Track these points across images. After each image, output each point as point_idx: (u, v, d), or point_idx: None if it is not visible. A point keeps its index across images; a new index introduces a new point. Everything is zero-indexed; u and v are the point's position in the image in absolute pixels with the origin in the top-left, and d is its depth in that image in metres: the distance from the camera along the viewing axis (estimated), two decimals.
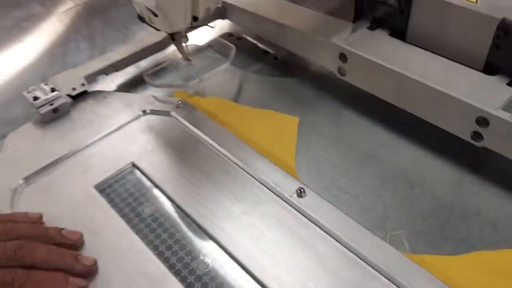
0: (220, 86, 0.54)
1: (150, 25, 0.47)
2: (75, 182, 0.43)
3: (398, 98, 0.45)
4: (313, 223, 0.38)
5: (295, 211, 0.39)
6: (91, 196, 0.42)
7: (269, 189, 0.41)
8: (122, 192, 0.43)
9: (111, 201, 0.42)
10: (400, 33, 0.48)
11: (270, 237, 0.37)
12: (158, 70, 0.54)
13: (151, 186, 0.43)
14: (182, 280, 0.35)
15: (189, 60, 0.53)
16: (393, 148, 0.46)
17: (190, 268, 0.36)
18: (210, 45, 0.58)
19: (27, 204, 0.41)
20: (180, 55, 0.53)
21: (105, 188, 0.43)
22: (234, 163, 0.44)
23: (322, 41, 0.49)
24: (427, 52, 0.46)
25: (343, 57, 0.48)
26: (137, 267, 0.36)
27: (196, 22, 0.46)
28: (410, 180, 0.42)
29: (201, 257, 0.37)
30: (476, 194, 0.41)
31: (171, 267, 0.36)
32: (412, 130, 0.47)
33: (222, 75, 0.55)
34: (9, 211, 0.40)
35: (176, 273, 0.36)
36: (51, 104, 0.49)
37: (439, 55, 0.45)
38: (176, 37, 0.50)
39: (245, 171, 0.43)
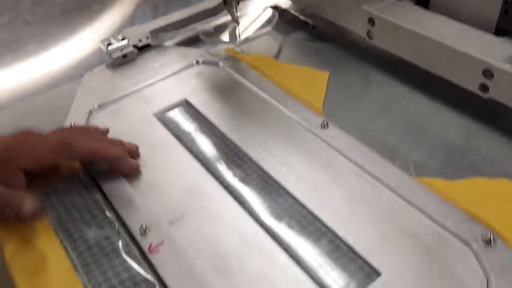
0: (262, 47, 0.62)
1: None
2: (137, 110, 0.52)
3: (418, 57, 0.52)
4: (334, 149, 0.45)
5: (319, 140, 0.46)
6: (150, 120, 0.51)
7: (299, 124, 0.48)
8: (176, 120, 0.51)
9: (166, 126, 0.50)
10: (423, 2, 0.55)
11: (298, 159, 0.45)
12: (211, 30, 0.63)
13: (200, 117, 0.51)
14: (222, 183, 0.43)
15: (238, 22, 0.61)
16: (411, 100, 0.52)
17: (230, 176, 0.44)
18: (255, 11, 0.66)
19: (98, 123, 0.51)
20: (230, 18, 0.61)
21: (162, 116, 0.52)
22: (271, 103, 0.52)
23: (354, 8, 0.57)
24: (446, 18, 0.52)
25: (371, 21, 0.55)
26: (186, 176, 0.44)
27: None
28: (423, 126, 0.49)
29: (242, 173, 0.45)
30: (482, 141, 0.46)
31: (211, 173, 0.44)
32: (429, 86, 0.53)
33: (265, 38, 0.63)
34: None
35: (217, 179, 0.44)
36: (121, 50, 0.59)
37: (457, 20, 0.52)
38: (228, 1, 0.59)
39: (279, 109, 0.51)
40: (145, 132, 0.50)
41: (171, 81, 0.57)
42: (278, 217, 0.40)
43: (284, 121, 0.49)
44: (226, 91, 0.54)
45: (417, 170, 0.43)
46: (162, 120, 0.51)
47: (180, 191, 0.42)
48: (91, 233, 0.40)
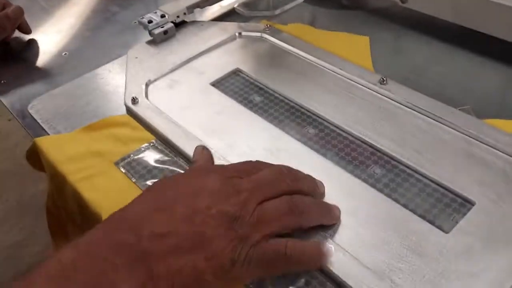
0: (296, 18, 0.64)
1: None
2: (193, 81, 0.53)
3: (455, 15, 0.55)
4: (399, 102, 0.48)
5: (381, 95, 0.49)
6: (209, 90, 0.52)
7: (358, 82, 0.51)
8: (234, 88, 0.52)
9: (226, 93, 0.51)
10: None
11: (366, 115, 0.47)
12: (247, 3, 0.64)
13: (256, 83, 0.53)
14: (300, 140, 0.45)
15: None
16: (452, 55, 0.55)
17: (306, 133, 0.46)
18: None
19: (157, 96, 0.51)
20: None
21: (219, 85, 0.53)
22: (322, 66, 0.54)
23: None
24: None
25: None
26: (263, 137, 0.46)
27: None
28: (470, 76, 0.52)
29: (316, 129, 0.46)
30: None
31: (287, 132, 0.46)
32: (466, 42, 0.56)
33: (297, 9, 0.65)
34: (145, 100, 0.50)
35: (294, 136, 0.45)
36: (162, 27, 0.59)
37: None
38: None
39: (332, 71, 0.53)
40: (208, 101, 0.50)
41: (218, 53, 0.58)
42: (363, 164, 0.42)
43: (342, 81, 0.51)
44: (275, 59, 0.56)
45: (477, 114, 0.46)
46: (221, 88, 0.52)
47: (262, 150, 0.44)
48: None
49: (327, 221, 0.36)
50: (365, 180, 0.40)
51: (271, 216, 0.31)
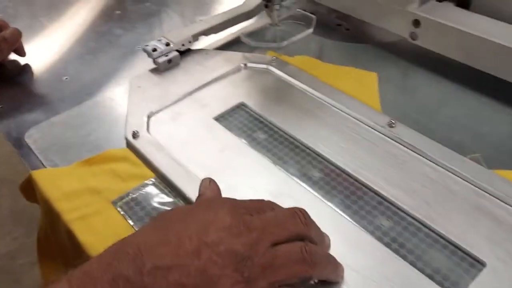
0: (302, 49, 0.63)
1: None
2: (196, 114, 0.52)
3: (464, 55, 0.54)
4: (407, 147, 0.46)
5: (389, 139, 0.47)
6: (212, 124, 0.51)
7: (363, 123, 0.49)
8: (238, 123, 0.51)
9: (229, 129, 0.50)
10: (464, 4, 0.57)
11: (373, 158, 0.46)
12: (252, 32, 0.63)
13: (260, 119, 0.51)
14: (304, 184, 0.43)
15: (278, 25, 0.61)
16: (463, 97, 0.54)
17: (309, 176, 0.44)
18: (291, 15, 0.67)
19: (159, 129, 0.50)
20: (269, 21, 0.62)
21: (223, 120, 0.51)
22: (329, 103, 0.52)
23: (398, 9, 0.58)
24: (489, 18, 0.55)
25: (416, 23, 0.57)
26: (266, 178, 0.44)
27: None
28: (481, 121, 0.51)
29: (320, 173, 0.45)
30: None
31: (291, 174, 0.44)
32: (476, 83, 0.55)
33: (304, 40, 0.64)
34: (146, 133, 0.49)
35: (299, 179, 0.44)
36: (166, 55, 0.58)
37: (500, 20, 0.54)
38: (269, 5, 0.59)
39: (339, 109, 0.51)
40: (211, 136, 0.49)
41: (222, 85, 0.56)
42: (370, 214, 0.41)
43: (349, 121, 0.50)
44: (280, 93, 0.55)
45: (488, 162, 0.45)
46: (224, 123, 0.51)
47: (265, 193, 0.42)
48: None
49: (334, 278, 0.34)
50: (372, 233, 0.39)
51: (282, 261, 0.28)
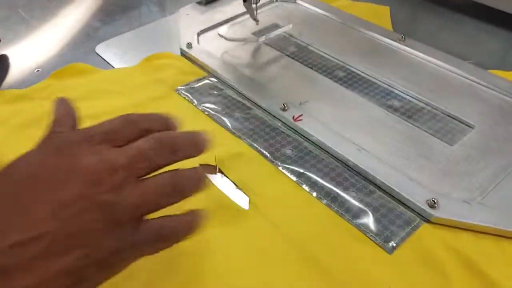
0: None
1: None
2: (240, 33, 0.62)
3: None
4: (414, 55, 0.56)
5: (400, 50, 0.58)
6: (259, 45, 0.61)
7: (380, 40, 0.59)
8: (280, 43, 0.61)
9: (271, 46, 0.60)
10: None
11: (383, 64, 0.56)
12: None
13: (296, 40, 0.61)
14: (332, 78, 0.54)
15: (257, 21, 0.63)
16: (459, 21, 0.64)
17: (337, 76, 0.55)
18: None
19: (208, 43, 0.60)
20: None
21: (266, 39, 0.62)
22: (352, 27, 0.62)
23: None
24: None
25: None
26: (303, 74, 0.55)
27: None
28: (476, 36, 0.61)
29: (346, 76, 0.55)
30: None
31: (322, 72, 0.55)
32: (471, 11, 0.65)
33: None
34: (197, 45, 0.59)
35: (327, 75, 0.54)
36: None
37: None
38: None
39: (358, 31, 0.61)
40: (256, 53, 0.59)
41: (260, 15, 0.66)
42: (384, 98, 0.51)
43: (367, 39, 0.60)
44: (311, 22, 0.64)
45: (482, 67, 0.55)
46: (267, 43, 0.61)
47: (301, 81, 0.53)
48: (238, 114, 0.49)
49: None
50: (386, 108, 0.49)
51: (152, 198, 0.25)
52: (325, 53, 0.58)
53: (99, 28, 0.67)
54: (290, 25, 0.62)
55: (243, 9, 0.64)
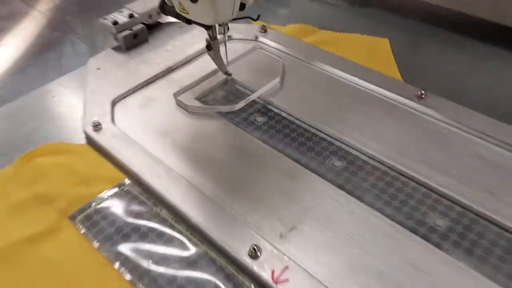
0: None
1: (178, 17, 0.36)
2: (173, 97, 0.41)
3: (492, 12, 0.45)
4: (443, 122, 0.37)
5: (421, 114, 0.38)
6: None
7: (389, 98, 0.40)
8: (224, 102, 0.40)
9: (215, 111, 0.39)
10: None
11: (402, 141, 0.36)
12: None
13: (258, 100, 0.41)
14: (323, 176, 0.33)
15: (230, 75, 0.42)
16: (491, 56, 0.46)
17: (328, 166, 0.34)
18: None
19: (127, 118, 0.39)
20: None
21: (206, 101, 0.41)
22: (339, 76, 0.42)
23: None
24: None
25: None
26: (268, 175, 0.34)
27: (241, 11, 0.35)
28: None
29: (342, 162, 0.35)
30: None
31: (300, 162, 0.34)
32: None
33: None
34: (111, 125, 0.38)
35: (315, 171, 0.34)
36: (130, 29, 0.47)
37: None
38: (213, 45, 0.39)
39: (356, 83, 0.41)
40: (193, 122, 0.38)
41: (203, 62, 0.45)
42: (417, 211, 0.31)
43: (372, 96, 0.40)
44: (274, 67, 0.44)
45: None
46: (209, 104, 0.40)
47: (277, 192, 0.32)
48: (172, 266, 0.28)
49: None
50: (423, 237, 0.29)
51: None
52: (305, 123, 0.38)
53: None
54: (278, 79, 0.42)
55: (188, 53, 0.44)
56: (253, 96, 0.40)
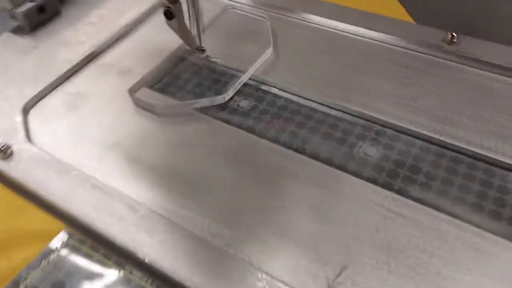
0: None
1: None
2: (111, 88, 0.29)
3: None
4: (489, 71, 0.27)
5: (457, 64, 0.28)
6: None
7: (411, 49, 0.29)
8: (187, 86, 0.29)
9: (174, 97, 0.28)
10: None
11: (435, 105, 0.26)
12: None
13: (229, 71, 0.29)
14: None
15: (203, 51, 0.30)
16: None
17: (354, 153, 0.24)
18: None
19: (49, 129, 0.26)
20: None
21: (160, 88, 0.29)
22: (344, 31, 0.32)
23: None
24: None
25: None
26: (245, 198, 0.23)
27: None
28: None
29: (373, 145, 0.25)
30: None
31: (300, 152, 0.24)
32: None
33: None
34: (26, 143, 0.25)
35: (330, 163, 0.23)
36: (32, 1, 0.33)
37: None
38: (175, 11, 0.27)
39: (370, 38, 0.31)
40: (144, 122, 0.26)
41: (144, 33, 0.33)
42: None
43: (389, 50, 0.30)
44: (260, 32, 0.32)
45: None
46: (166, 92, 0.28)
47: (304, 214, 0.21)
48: None
49: None
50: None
51: None
52: (327, 106, 0.27)
53: None
54: (270, 49, 0.30)
55: (122, 22, 0.32)
56: (245, 78, 0.28)
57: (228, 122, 0.26)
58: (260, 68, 0.29)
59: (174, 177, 0.23)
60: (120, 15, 0.34)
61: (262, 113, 0.26)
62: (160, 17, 0.32)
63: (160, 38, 0.32)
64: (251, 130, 0.25)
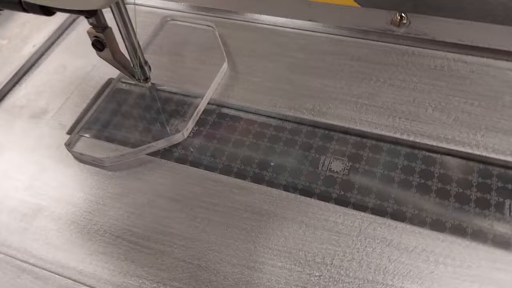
0: None
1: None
2: (25, 142, 0.24)
3: None
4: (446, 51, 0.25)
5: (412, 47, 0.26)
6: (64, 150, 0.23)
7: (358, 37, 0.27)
8: (122, 133, 0.25)
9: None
10: None
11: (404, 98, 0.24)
12: None
13: (185, 98, 0.25)
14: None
15: (148, 78, 0.25)
16: None
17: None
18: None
19: None
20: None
21: (86, 133, 0.24)
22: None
23: None
24: None
25: None
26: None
27: None
28: None
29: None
30: None
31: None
32: None
33: None
34: None
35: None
36: None
37: None
38: (106, 38, 0.22)
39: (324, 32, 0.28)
40: (121, 185, 0.22)
41: (50, 64, 0.28)
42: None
43: (340, 42, 0.27)
44: (209, 44, 0.28)
45: None
46: (87, 146, 0.24)
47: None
48: None
49: None
50: None
51: None
52: (292, 121, 0.24)
53: None
54: (225, 64, 0.26)
55: (27, 50, 0.28)
56: (202, 105, 0.24)
57: (187, 162, 0.22)
58: (217, 89, 0.25)
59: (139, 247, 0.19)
60: (23, 43, 0.29)
61: (228, 144, 0.22)
62: (71, 38, 0.28)
63: (76, 64, 0.27)
64: (218, 171, 0.21)
